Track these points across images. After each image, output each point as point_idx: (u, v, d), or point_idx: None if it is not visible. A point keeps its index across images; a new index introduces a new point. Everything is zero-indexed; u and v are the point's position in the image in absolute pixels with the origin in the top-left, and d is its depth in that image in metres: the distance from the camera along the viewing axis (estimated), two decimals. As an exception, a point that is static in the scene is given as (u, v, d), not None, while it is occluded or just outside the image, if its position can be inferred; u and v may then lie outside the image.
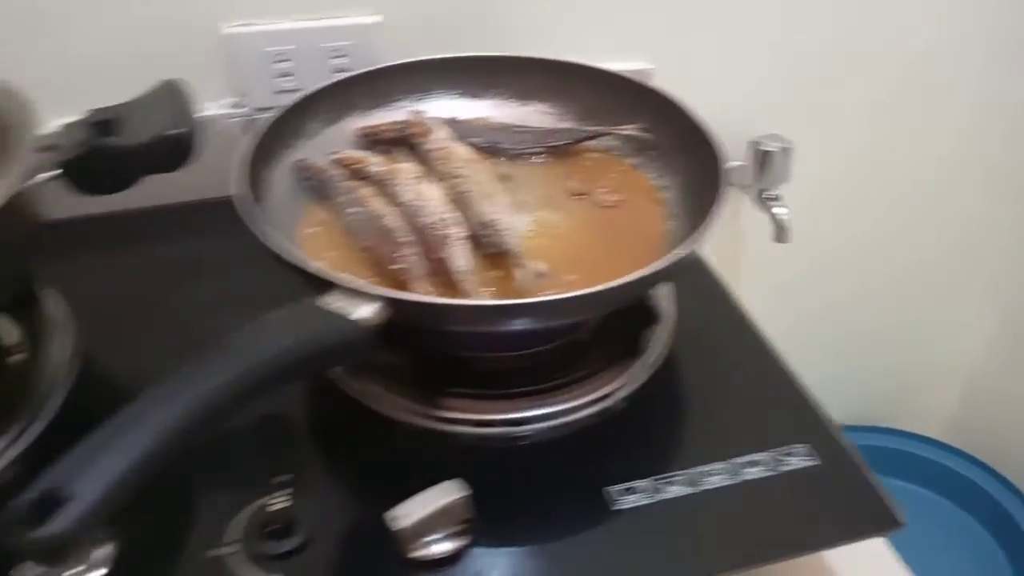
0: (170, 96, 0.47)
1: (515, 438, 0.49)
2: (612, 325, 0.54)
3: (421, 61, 0.64)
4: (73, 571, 0.39)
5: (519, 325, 0.43)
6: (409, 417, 0.49)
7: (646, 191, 0.58)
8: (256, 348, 0.37)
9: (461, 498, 0.43)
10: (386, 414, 0.49)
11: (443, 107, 0.64)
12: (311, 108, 0.59)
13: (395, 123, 0.61)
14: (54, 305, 0.55)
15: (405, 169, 0.56)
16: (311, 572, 0.43)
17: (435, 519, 0.42)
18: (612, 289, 0.42)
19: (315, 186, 0.57)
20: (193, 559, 0.43)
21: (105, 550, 0.41)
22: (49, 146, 0.44)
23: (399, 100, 0.64)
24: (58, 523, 0.28)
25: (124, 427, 0.31)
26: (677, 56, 0.75)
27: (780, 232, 0.80)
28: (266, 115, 0.56)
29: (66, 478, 0.29)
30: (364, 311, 0.41)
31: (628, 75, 0.62)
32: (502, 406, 0.49)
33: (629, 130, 0.61)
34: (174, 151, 0.44)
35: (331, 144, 0.60)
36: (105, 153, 0.44)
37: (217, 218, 0.69)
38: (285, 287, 0.61)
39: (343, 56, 0.69)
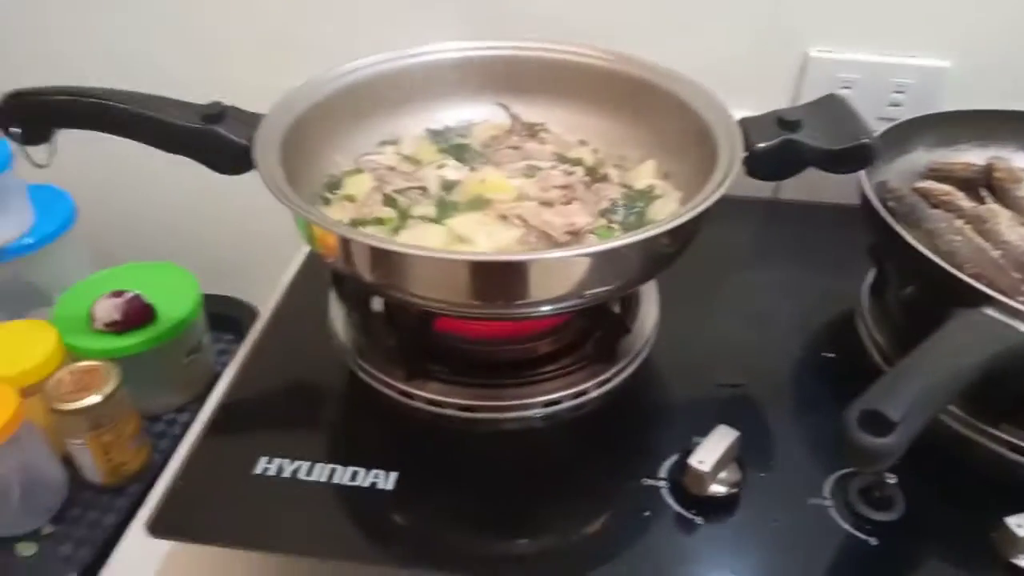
0: (839, 107, 0.55)
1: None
2: None
3: (999, 111, 0.66)
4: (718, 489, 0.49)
5: None
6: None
7: None
8: (963, 348, 0.42)
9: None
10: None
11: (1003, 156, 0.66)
12: (897, 135, 0.65)
13: (970, 164, 0.65)
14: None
15: (1002, 211, 0.59)
16: (903, 545, 0.48)
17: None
18: None
19: (896, 208, 0.62)
20: (799, 504, 0.50)
21: (735, 474, 0.50)
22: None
23: (961, 143, 0.68)
24: (891, 440, 0.35)
25: (915, 370, 0.38)
26: None
27: None
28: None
29: (884, 403, 0.37)
30: (1024, 328, 0.45)
31: None
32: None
33: None
34: (860, 156, 0.52)
35: (899, 172, 0.66)
36: (792, 147, 0.53)
37: (757, 216, 0.79)
38: (810, 282, 0.69)
39: (901, 92, 0.74)
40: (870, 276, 0.65)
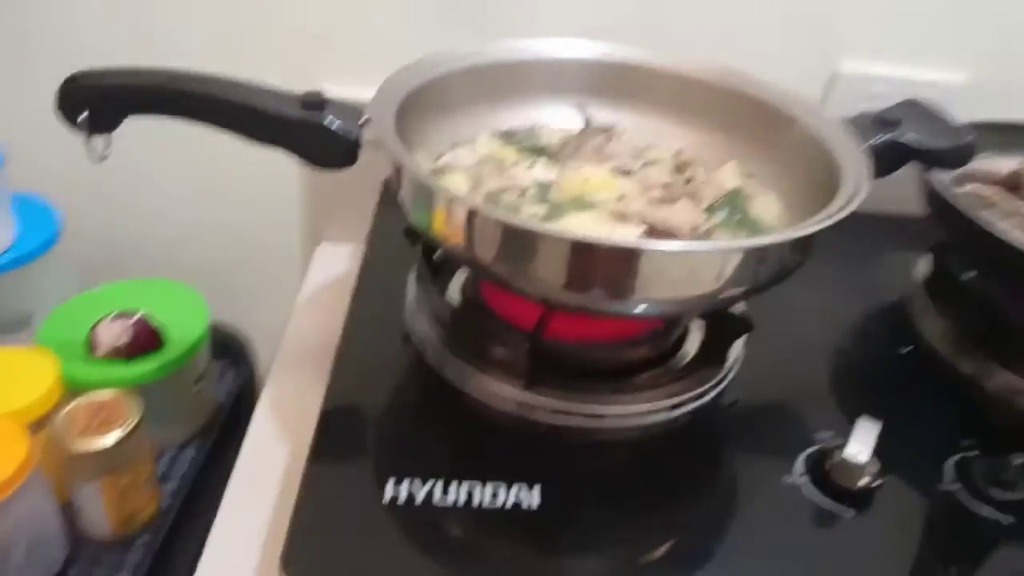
0: (925, 109, 0.58)
1: None
2: None
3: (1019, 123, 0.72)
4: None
5: None
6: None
7: None
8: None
9: None
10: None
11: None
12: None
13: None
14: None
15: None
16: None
17: None
18: None
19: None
20: (930, 491, 0.52)
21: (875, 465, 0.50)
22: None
23: (986, 152, 0.72)
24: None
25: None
26: None
27: None
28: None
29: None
30: None
31: None
32: None
33: None
34: (965, 154, 0.55)
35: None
36: (895, 146, 0.55)
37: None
38: (858, 285, 0.72)
39: (919, 106, 0.79)
40: (919, 274, 0.69)
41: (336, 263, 0.79)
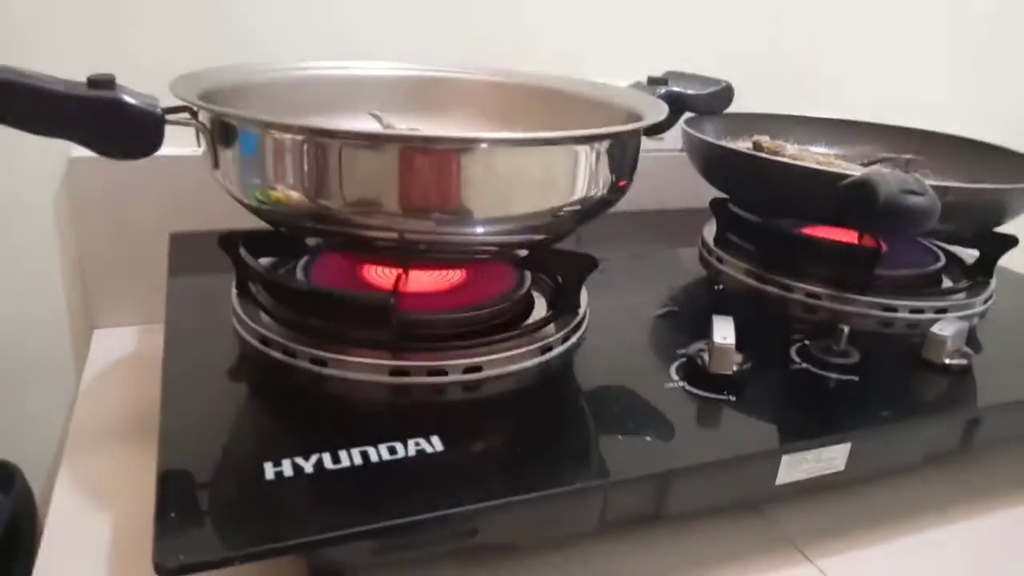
0: (682, 74, 0.68)
1: None
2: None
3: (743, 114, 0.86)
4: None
5: None
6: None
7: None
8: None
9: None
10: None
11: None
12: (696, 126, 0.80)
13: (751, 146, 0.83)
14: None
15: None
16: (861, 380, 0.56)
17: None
18: None
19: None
20: (781, 371, 0.55)
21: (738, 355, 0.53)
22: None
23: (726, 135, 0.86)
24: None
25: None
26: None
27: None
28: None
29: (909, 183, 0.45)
30: None
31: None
32: None
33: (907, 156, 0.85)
34: (727, 96, 0.64)
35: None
36: (673, 96, 0.63)
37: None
38: (669, 262, 0.79)
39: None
40: (708, 235, 0.77)
41: (116, 347, 0.71)
